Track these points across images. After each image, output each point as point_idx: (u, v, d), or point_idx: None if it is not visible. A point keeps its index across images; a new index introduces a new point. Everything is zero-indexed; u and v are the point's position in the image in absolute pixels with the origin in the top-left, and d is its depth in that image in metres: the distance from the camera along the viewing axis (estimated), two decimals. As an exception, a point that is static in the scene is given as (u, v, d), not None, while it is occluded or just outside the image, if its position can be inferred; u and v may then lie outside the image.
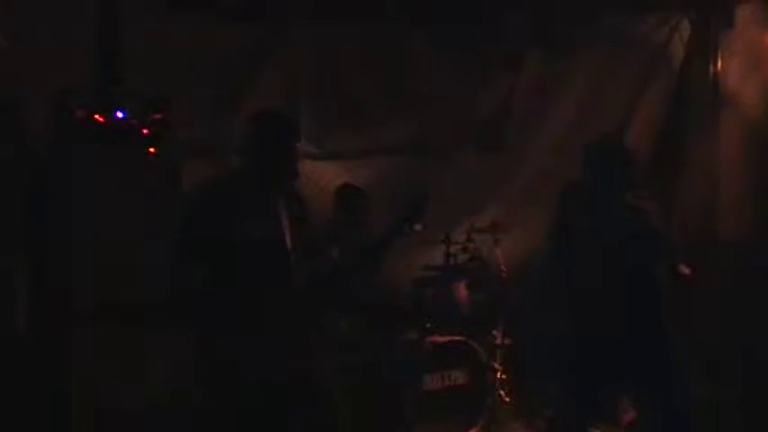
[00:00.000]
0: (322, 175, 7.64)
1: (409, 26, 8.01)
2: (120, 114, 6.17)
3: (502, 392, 7.21)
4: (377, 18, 7.80)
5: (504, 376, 7.26)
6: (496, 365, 7.22)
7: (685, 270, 5.50)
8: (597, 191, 5.44)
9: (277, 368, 4.55)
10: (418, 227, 4.86)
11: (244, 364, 4.47)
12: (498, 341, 7.29)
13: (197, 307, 4.62)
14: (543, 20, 8.36)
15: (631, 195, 5.45)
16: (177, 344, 5.78)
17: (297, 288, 4.68)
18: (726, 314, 7.68)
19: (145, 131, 6.25)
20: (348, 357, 6.60)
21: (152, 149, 6.25)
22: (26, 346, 6.15)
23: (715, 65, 8.69)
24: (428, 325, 7.03)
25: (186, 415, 5.78)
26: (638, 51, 8.85)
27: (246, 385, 4.50)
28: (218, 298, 4.52)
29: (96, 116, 6.07)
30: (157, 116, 6.31)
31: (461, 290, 7.44)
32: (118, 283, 6.08)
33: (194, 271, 4.57)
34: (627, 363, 5.28)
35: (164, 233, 5.81)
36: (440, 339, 6.91)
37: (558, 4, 8.32)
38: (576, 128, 8.54)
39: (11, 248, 6.19)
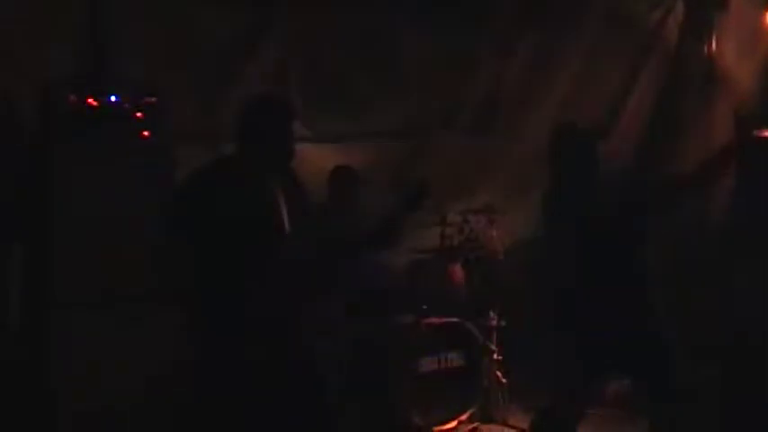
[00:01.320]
0: (314, 158, 7.63)
1: (401, 10, 8.00)
2: (113, 98, 6.18)
3: (498, 374, 7.20)
4: (369, 3, 7.81)
5: (500, 358, 7.26)
6: (493, 347, 7.21)
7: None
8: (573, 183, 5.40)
9: (272, 358, 4.56)
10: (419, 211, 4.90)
11: (237, 356, 4.48)
12: (494, 323, 7.28)
13: (188, 295, 4.63)
14: (534, 1, 8.37)
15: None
16: (168, 335, 5.87)
17: (293, 272, 4.69)
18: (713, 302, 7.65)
19: (138, 115, 6.26)
20: (344, 340, 6.64)
21: (146, 133, 6.26)
22: (17, 338, 6.16)
23: (709, 46, 8.69)
24: (424, 307, 7.03)
25: (171, 409, 5.84)
26: (632, 33, 8.86)
27: (239, 379, 4.50)
28: (213, 286, 4.52)
29: (90, 100, 6.08)
30: (151, 100, 6.31)
31: (457, 271, 7.45)
32: (110, 271, 6.10)
33: (182, 256, 4.57)
34: (622, 349, 5.26)
35: (157, 218, 5.87)
36: (436, 321, 6.92)
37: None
38: (570, 109, 8.57)
39: (6, 238, 6.19)
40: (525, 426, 6.08)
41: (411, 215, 4.95)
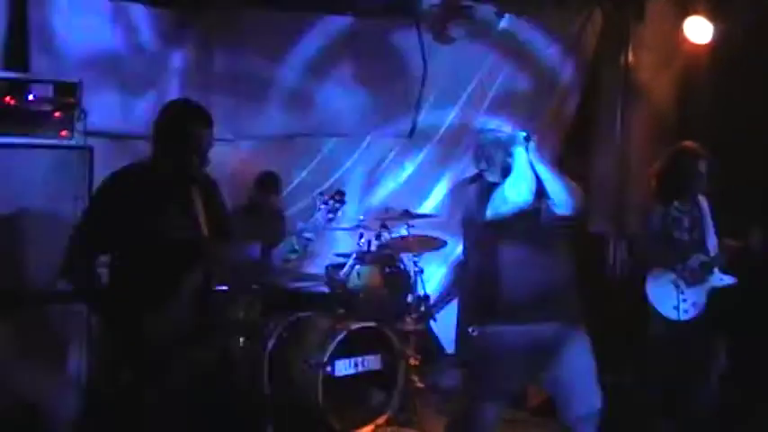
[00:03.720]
0: (234, 160, 7.64)
1: (325, 11, 8.00)
2: (31, 97, 6.10)
3: (414, 378, 7.25)
4: (289, 4, 7.79)
5: (416, 362, 7.31)
6: (409, 351, 7.26)
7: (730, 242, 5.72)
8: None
9: (183, 360, 4.56)
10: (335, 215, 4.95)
11: (146, 354, 4.47)
12: (411, 327, 7.33)
13: (96, 299, 4.61)
14: (458, 8, 8.40)
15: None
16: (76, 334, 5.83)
17: (210, 276, 4.70)
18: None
19: (57, 115, 6.19)
20: (259, 342, 6.64)
21: (64, 133, 6.19)
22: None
23: (626, 57, 8.82)
24: (341, 311, 7.06)
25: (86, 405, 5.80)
26: (551, 41, 8.96)
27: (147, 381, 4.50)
28: (125, 290, 4.50)
29: (7, 98, 5.99)
30: (70, 100, 6.24)
31: (374, 276, 7.48)
32: (22, 271, 6.04)
33: (91, 265, 4.55)
34: (546, 353, 5.31)
35: (72, 219, 5.80)
36: (353, 325, 6.93)
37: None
38: (489, 114, 8.67)
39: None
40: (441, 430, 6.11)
41: (328, 219, 4.98)
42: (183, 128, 4.61)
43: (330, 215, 5.01)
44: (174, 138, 4.61)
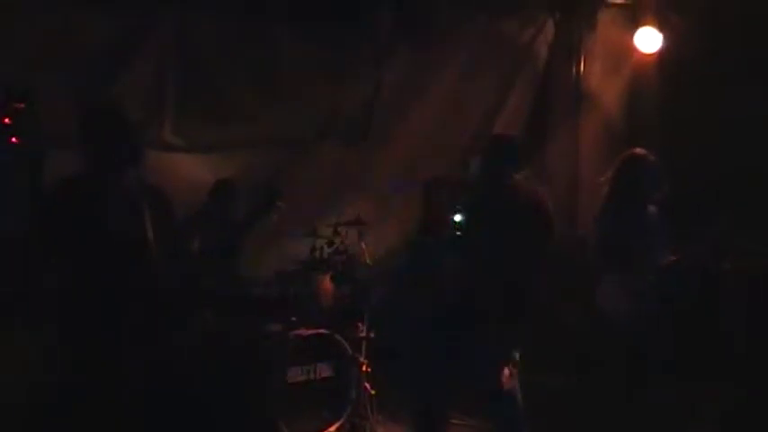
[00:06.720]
0: (189, 168, 7.61)
1: (276, 21, 8.00)
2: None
3: (367, 385, 7.25)
4: (245, 11, 7.79)
5: (368, 369, 7.31)
6: (361, 358, 7.26)
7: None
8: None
9: (133, 363, 4.55)
10: (274, 216, 4.95)
11: (97, 360, 4.47)
12: (363, 333, 7.33)
13: (53, 303, 4.60)
14: (411, 17, 8.44)
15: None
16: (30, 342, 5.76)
17: (157, 281, 4.70)
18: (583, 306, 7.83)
19: (6, 121, 6.14)
20: (213, 350, 6.62)
21: (14, 139, 6.15)
22: None
23: (577, 66, 8.92)
24: (293, 318, 7.05)
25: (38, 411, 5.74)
26: (503, 50, 9.01)
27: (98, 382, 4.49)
28: (75, 294, 4.50)
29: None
30: (20, 105, 6.19)
31: (326, 283, 7.49)
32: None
33: (50, 267, 4.55)
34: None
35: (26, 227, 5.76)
36: (305, 332, 6.93)
37: (426, 3, 8.42)
38: (442, 123, 8.68)
39: None
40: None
41: (263, 220, 5.01)
42: (95, 136, 4.64)
43: (270, 216, 5.03)
44: (89, 142, 4.63)
